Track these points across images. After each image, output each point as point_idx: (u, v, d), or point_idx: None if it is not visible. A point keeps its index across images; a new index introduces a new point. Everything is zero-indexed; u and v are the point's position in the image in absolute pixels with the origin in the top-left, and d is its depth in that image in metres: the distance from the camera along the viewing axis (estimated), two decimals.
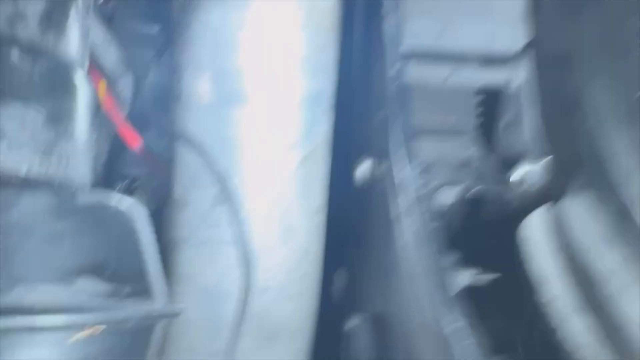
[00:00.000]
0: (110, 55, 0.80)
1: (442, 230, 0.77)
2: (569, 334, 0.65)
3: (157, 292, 0.47)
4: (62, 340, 0.36)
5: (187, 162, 0.74)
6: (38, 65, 0.44)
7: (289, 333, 0.84)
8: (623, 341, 0.64)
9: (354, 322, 0.79)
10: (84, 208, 0.42)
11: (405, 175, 0.72)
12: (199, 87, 0.70)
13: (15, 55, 0.42)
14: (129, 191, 0.96)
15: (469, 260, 0.94)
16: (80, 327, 0.36)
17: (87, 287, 0.39)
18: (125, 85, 0.84)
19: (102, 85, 0.85)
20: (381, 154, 0.81)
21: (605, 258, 0.68)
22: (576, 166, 0.76)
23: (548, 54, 0.88)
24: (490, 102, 1.02)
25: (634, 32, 0.69)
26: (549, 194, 0.86)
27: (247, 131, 0.71)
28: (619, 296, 0.65)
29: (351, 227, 0.94)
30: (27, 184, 0.40)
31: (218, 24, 0.66)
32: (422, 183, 0.73)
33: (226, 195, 0.72)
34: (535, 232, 0.80)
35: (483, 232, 0.98)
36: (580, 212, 0.74)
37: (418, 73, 0.91)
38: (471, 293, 0.89)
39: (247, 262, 0.63)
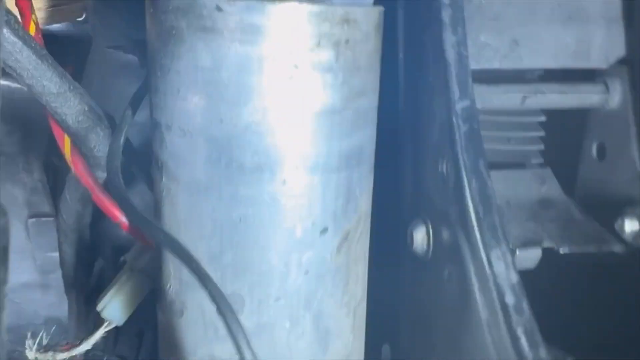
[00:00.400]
0: (74, 105, 0.59)
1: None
2: None
3: None
4: None
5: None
6: None
7: None
8: None
9: None
10: None
11: (494, 264, 0.51)
12: (188, 154, 0.49)
13: None
14: (115, 268, 0.76)
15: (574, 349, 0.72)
16: None
17: None
18: (99, 140, 0.63)
19: (67, 143, 0.65)
20: (447, 220, 0.59)
21: None
22: None
23: None
24: (572, 125, 0.79)
25: None
26: None
27: (261, 214, 0.49)
28: None
29: (403, 300, 0.73)
30: None
31: (208, 66, 0.45)
32: (515, 273, 0.51)
33: (236, 302, 0.51)
34: None
35: (580, 301, 0.75)
36: None
37: (484, 101, 0.68)
38: None
39: None
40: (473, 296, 0.52)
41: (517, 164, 0.84)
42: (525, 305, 0.49)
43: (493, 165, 0.83)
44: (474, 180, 0.53)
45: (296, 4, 0.44)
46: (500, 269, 0.50)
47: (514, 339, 0.50)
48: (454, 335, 0.59)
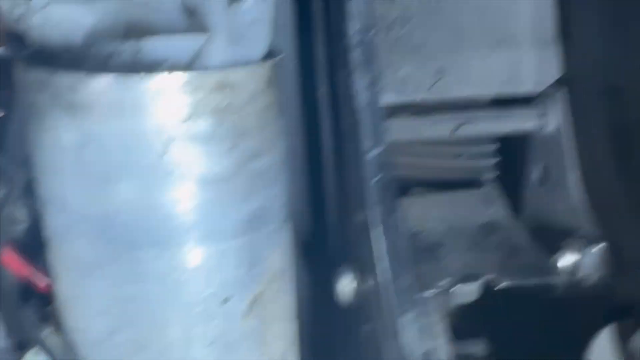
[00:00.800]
0: None
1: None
2: None
3: None
4: None
5: None
6: None
7: None
8: None
9: None
10: None
11: (403, 295, 0.48)
12: (72, 234, 0.45)
13: None
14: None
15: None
16: None
17: None
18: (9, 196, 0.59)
19: None
20: (367, 268, 0.56)
21: None
22: None
23: (592, 89, 0.61)
24: (518, 147, 0.76)
25: None
26: (610, 289, 0.61)
27: (155, 291, 0.46)
28: None
29: (333, 349, 0.70)
30: None
31: (78, 144, 0.41)
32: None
33: None
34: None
35: (519, 330, 0.73)
36: None
37: (413, 132, 0.65)
38: None
39: None
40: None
41: (467, 180, 0.82)
42: None
43: (441, 184, 0.81)
44: (388, 241, 0.50)
45: (164, 74, 0.40)
46: (411, 335, 0.48)
47: None
48: None
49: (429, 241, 0.74)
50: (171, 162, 0.42)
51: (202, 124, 0.42)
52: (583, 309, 0.64)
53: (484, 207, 0.79)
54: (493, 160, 0.80)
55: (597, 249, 0.61)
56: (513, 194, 0.78)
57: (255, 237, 0.49)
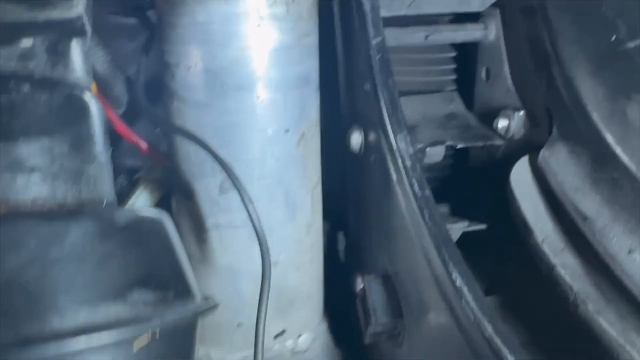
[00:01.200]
0: (98, 58, 0.81)
1: (431, 190, 0.83)
2: (561, 271, 0.72)
3: (194, 291, 0.51)
4: (128, 351, 0.40)
5: (189, 154, 0.78)
6: (54, 96, 0.47)
7: (303, 299, 0.90)
8: (610, 277, 0.71)
9: (364, 283, 0.85)
10: (123, 226, 0.46)
11: (398, 142, 0.77)
12: (192, 83, 0.73)
13: (32, 91, 0.44)
14: (131, 183, 0.99)
15: (463, 211, 1.00)
16: (140, 335, 0.41)
17: (139, 299, 0.43)
18: (116, 84, 0.86)
19: (93, 88, 0.87)
20: (372, 124, 0.85)
21: (588, 200, 0.75)
22: (554, 115, 0.81)
23: (516, 8, 0.91)
24: (470, 56, 1.06)
25: None
26: (530, 142, 0.91)
27: (244, 120, 0.74)
28: (603, 234, 0.72)
29: (349, 194, 0.99)
30: (65, 212, 0.44)
31: (204, 21, 0.68)
32: (412, 148, 0.77)
33: (231, 182, 0.76)
34: (521, 180, 0.86)
35: (474, 183, 1.04)
36: (562, 159, 0.80)
37: (397, 39, 0.94)
38: (467, 241, 0.96)
39: (259, 242, 0.68)
40: (388, 166, 0.78)
41: (434, 90, 1.11)
42: (418, 169, 0.76)
43: (414, 92, 1.10)
44: (385, 91, 0.79)
45: None
46: (402, 145, 0.77)
47: (416, 198, 0.76)
48: (382, 213, 0.86)
49: (407, 124, 1.03)
50: (261, 32, 0.70)
51: (279, 9, 0.70)
52: (514, 158, 0.94)
53: (447, 104, 1.09)
54: (454, 76, 1.09)
55: (521, 114, 0.91)
56: (468, 92, 1.08)
57: (304, 91, 0.77)
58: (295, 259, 0.86)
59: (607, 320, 0.66)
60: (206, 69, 0.71)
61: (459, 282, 0.62)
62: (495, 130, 0.97)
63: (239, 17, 0.68)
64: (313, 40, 0.77)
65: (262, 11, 0.69)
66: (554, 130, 0.81)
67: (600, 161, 0.73)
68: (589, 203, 0.74)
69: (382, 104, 0.79)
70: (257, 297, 0.86)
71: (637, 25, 0.69)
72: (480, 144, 0.99)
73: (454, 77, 1.11)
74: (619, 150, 0.70)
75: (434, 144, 0.97)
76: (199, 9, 0.68)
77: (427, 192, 0.72)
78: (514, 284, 0.91)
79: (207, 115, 0.74)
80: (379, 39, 0.81)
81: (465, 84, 1.09)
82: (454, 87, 1.10)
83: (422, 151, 0.97)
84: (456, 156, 1.06)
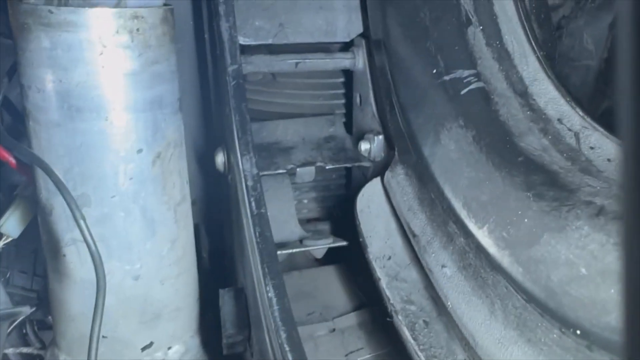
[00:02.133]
0: None
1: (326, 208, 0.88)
2: (382, 284, 0.78)
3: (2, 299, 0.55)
4: None
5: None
6: None
7: (171, 312, 0.94)
8: (435, 289, 0.77)
9: (223, 294, 0.89)
10: None
11: (243, 163, 0.82)
12: (43, 104, 0.77)
13: None
14: (11, 198, 1.02)
15: (344, 227, 1.06)
16: None
17: None
18: None
19: None
20: (229, 145, 0.90)
21: (416, 219, 0.81)
22: (395, 140, 0.88)
23: (373, 41, 0.98)
24: (345, 84, 1.13)
25: (424, 21, 0.80)
26: (388, 164, 0.97)
27: (95, 140, 0.78)
28: (425, 250, 0.78)
29: (223, 212, 1.04)
30: None
31: (49, 47, 0.73)
32: (255, 169, 0.82)
33: (85, 199, 0.80)
34: (375, 199, 0.92)
35: (340, 202, 1.10)
36: (400, 180, 0.86)
37: (268, 66, 1.00)
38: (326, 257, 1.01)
39: (91, 255, 0.72)
40: (238, 185, 0.83)
41: (325, 113, 1.17)
42: (258, 189, 0.81)
43: (304, 115, 1.15)
44: (237, 115, 0.85)
45: (99, 8, 0.73)
46: (247, 166, 0.82)
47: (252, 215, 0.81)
48: (239, 229, 0.90)
49: (285, 146, 1.09)
50: (105, 59, 0.75)
51: (123, 38, 0.75)
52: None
53: (329, 127, 1.15)
54: (342, 100, 1.16)
55: (380, 138, 0.97)
56: (349, 117, 1.14)
57: (156, 114, 0.82)
58: (159, 273, 0.90)
59: (410, 329, 0.71)
60: (55, 91, 0.75)
61: (271, 293, 0.67)
62: (361, 152, 1.04)
63: (82, 44, 0.73)
64: (166, 66, 0.82)
65: (105, 40, 0.74)
66: (395, 153, 0.88)
67: (424, 182, 0.79)
68: (417, 221, 0.80)
69: (234, 126, 0.84)
70: (119, 310, 0.90)
71: (452, 60, 0.76)
72: (348, 165, 1.06)
73: (343, 101, 1.18)
74: (436, 173, 0.76)
75: (304, 164, 1.03)
76: (44, 35, 0.73)
77: (263, 210, 0.78)
78: (374, 299, 0.96)
79: (59, 135, 0.78)
80: (235, 67, 0.86)
81: (350, 109, 1.16)
82: (342, 110, 1.17)
83: (293, 171, 1.03)
84: (346, 176, 1.12)
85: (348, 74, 1.13)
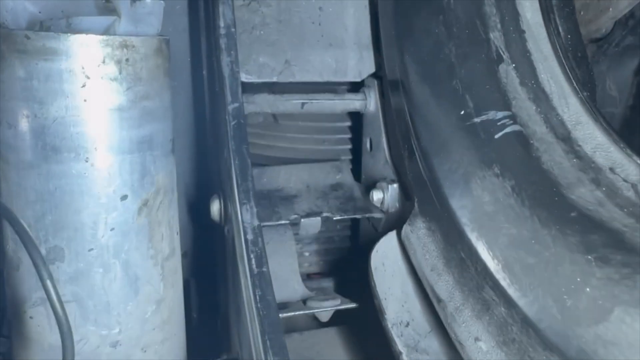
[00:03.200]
0: None
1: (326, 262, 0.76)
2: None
3: None
4: None
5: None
6: None
7: None
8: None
9: None
10: None
11: (243, 213, 0.72)
12: (14, 142, 0.67)
13: None
14: None
15: (351, 284, 0.94)
16: None
17: None
18: None
19: None
20: (227, 193, 0.80)
21: (442, 281, 0.70)
22: (415, 189, 0.78)
23: (388, 81, 0.89)
24: (352, 127, 1.04)
25: (449, 58, 0.72)
26: (404, 216, 0.87)
27: (73, 184, 0.68)
28: (454, 319, 0.66)
29: (218, 267, 0.93)
30: None
31: (23, 77, 0.63)
32: (257, 220, 0.72)
33: (57, 253, 0.69)
34: (390, 256, 0.82)
35: (362, 256, 0.99)
36: (421, 235, 0.75)
37: (271, 106, 0.91)
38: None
39: (57, 321, 0.60)
40: (236, 239, 0.73)
41: (329, 158, 1.08)
42: (260, 243, 0.70)
43: (308, 160, 1.06)
44: (237, 159, 0.75)
45: (84, 35, 0.64)
46: (247, 217, 0.71)
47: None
48: (235, 290, 0.79)
49: (288, 194, 0.99)
50: (88, 92, 0.65)
51: (110, 69, 0.66)
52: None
53: (335, 173, 1.06)
54: (349, 146, 1.07)
55: (395, 186, 0.88)
56: (357, 162, 1.05)
57: (144, 156, 0.72)
58: (141, 339, 0.78)
59: None
60: (28, 128, 0.66)
61: None
62: (371, 200, 0.93)
63: (62, 74, 0.64)
64: (158, 102, 0.72)
65: (89, 70, 0.65)
66: (415, 204, 0.78)
67: (451, 238, 0.69)
68: (442, 284, 0.70)
69: (233, 171, 0.74)
70: None
71: (483, 101, 0.67)
72: (358, 216, 0.95)
73: (349, 146, 1.08)
74: (467, 228, 0.66)
75: (309, 215, 0.93)
76: (18, 63, 0.63)
77: (265, 269, 0.67)
78: None
79: (31, 177, 0.67)
80: (235, 105, 0.77)
81: (358, 154, 1.07)
82: (349, 156, 1.08)
83: (296, 222, 0.92)
84: (350, 228, 1.02)
85: (354, 116, 1.04)
